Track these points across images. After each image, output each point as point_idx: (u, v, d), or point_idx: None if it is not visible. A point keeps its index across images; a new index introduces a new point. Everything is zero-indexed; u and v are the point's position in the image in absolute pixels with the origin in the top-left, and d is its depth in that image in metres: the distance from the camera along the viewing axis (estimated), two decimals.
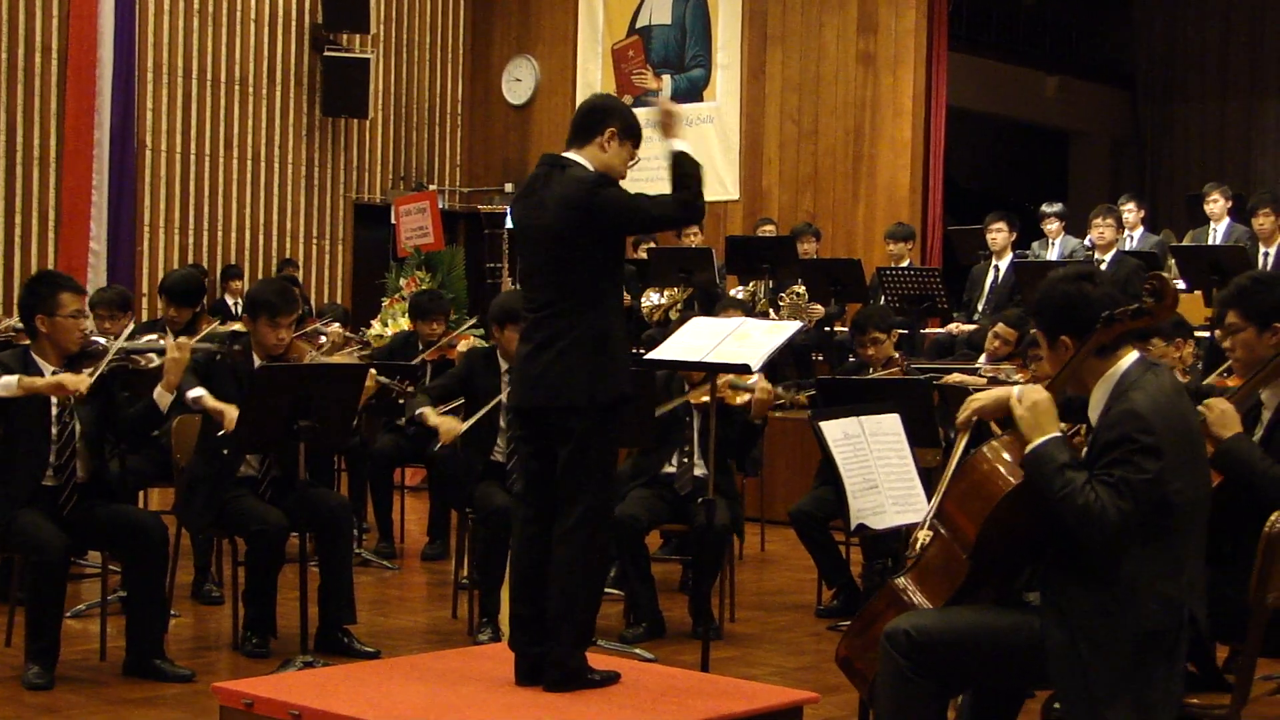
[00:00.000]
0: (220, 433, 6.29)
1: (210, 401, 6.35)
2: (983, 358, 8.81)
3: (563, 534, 5.02)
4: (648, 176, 16.40)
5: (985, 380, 7.98)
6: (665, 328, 8.53)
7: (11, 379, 5.83)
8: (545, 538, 5.09)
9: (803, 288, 11.56)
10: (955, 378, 7.90)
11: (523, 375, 5.15)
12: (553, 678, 4.99)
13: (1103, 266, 10.55)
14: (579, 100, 15.63)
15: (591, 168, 5.13)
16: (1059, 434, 3.93)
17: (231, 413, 6.27)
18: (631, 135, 5.24)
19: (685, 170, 5.21)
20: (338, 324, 10.12)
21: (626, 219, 5.11)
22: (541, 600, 5.06)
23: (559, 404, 5.03)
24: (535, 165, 5.33)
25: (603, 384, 5.02)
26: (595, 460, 5.04)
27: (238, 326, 7.21)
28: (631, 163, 5.28)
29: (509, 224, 14.59)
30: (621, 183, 5.20)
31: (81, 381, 5.85)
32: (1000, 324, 8.86)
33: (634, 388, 5.23)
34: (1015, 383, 7.87)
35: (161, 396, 6.10)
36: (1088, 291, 3.99)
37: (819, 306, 11.21)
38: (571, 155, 5.16)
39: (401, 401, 7.52)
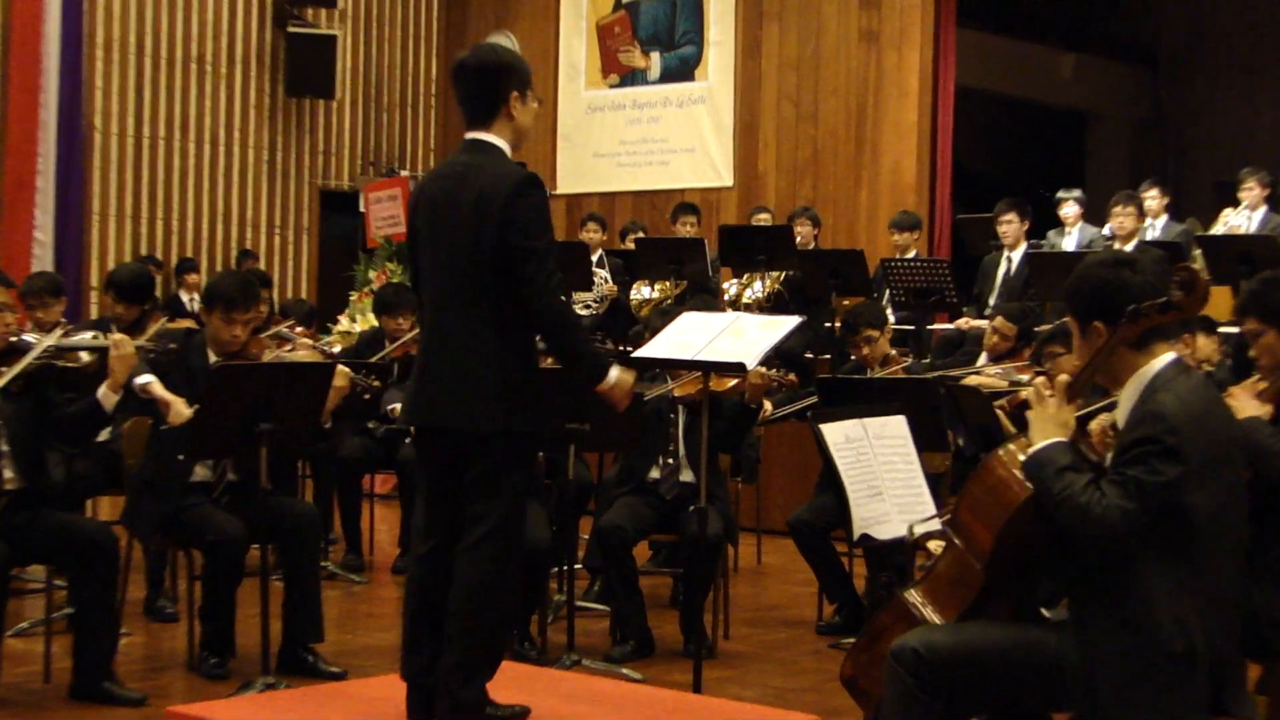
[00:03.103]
0: (164, 426, 6.27)
1: (158, 389, 6.34)
2: (983, 356, 8.80)
3: (465, 549, 4.94)
4: (636, 162, 16.32)
5: (995, 376, 8.00)
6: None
7: None
8: (448, 575, 5.00)
9: (778, 272, 11.54)
10: (989, 378, 7.91)
11: (426, 388, 5.07)
12: (442, 709, 4.89)
13: None
14: (562, 82, 15.66)
15: (507, 147, 5.06)
16: (1062, 439, 3.93)
17: (180, 406, 6.26)
18: (529, 84, 5.12)
19: (583, 360, 5.13)
20: (300, 326, 10.06)
21: (524, 240, 4.90)
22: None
23: (469, 429, 4.96)
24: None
25: (520, 413, 4.94)
26: (507, 483, 4.97)
27: (190, 324, 7.18)
28: (537, 103, 5.18)
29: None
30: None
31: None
32: (999, 318, 8.85)
33: (543, 425, 5.15)
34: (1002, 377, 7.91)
35: (106, 397, 6.03)
36: (1126, 279, 3.98)
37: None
38: (485, 137, 5.07)
39: (368, 397, 7.49)
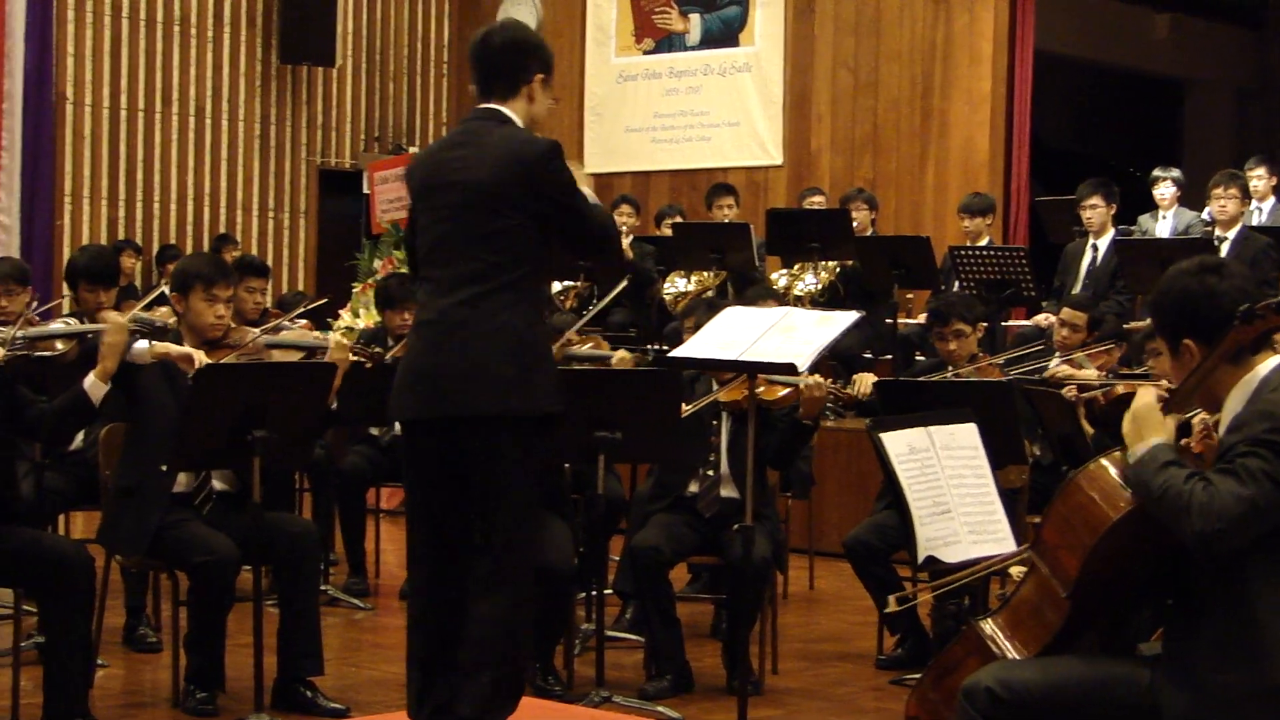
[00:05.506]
0: (191, 373, 6.28)
1: (165, 347, 6.33)
2: (1056, 359, 8.80)
3: (475, 578, 5.01)
4: (673, 137, 16.17)
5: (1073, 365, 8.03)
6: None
7: None
8: (453, 602, 5.08)
9: (833, 262, 11.52)
10: (1064, 369, 7.92)
11: (419, 374, 5.15)
12: None
13: (1224, 246, 10.53)
14: (590, 48, 15.67)
15: (522, 124, 5.22)
16: (1165, 439, 3.95)
17: (200, 355, 6.32)
18: (551, 72, 5.35)
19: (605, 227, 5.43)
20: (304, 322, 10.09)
21: (566, 205, 5.18)
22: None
23: (470, 414, 5.03)
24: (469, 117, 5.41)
25: (528, 392, 5.03)
26: (515, 487, 5.03)
27: (164, 313, 7.22)
28: (554, 103, 5.39)
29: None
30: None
31: None
32: (1065, 309, 8.87)
33: (565, 405, 5.25)
34: (1102, 374, 7.90)
35: (95, 387, 6.04)
36: (1213, 286, 3.99)
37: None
38: (499, 108, 5.23)
39: (369, 365, 7.52)
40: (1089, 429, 7.52)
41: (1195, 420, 4.34)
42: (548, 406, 5.10)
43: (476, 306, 5.05)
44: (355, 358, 7.10)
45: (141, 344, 6.36)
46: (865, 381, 7.43)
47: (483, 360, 5.02)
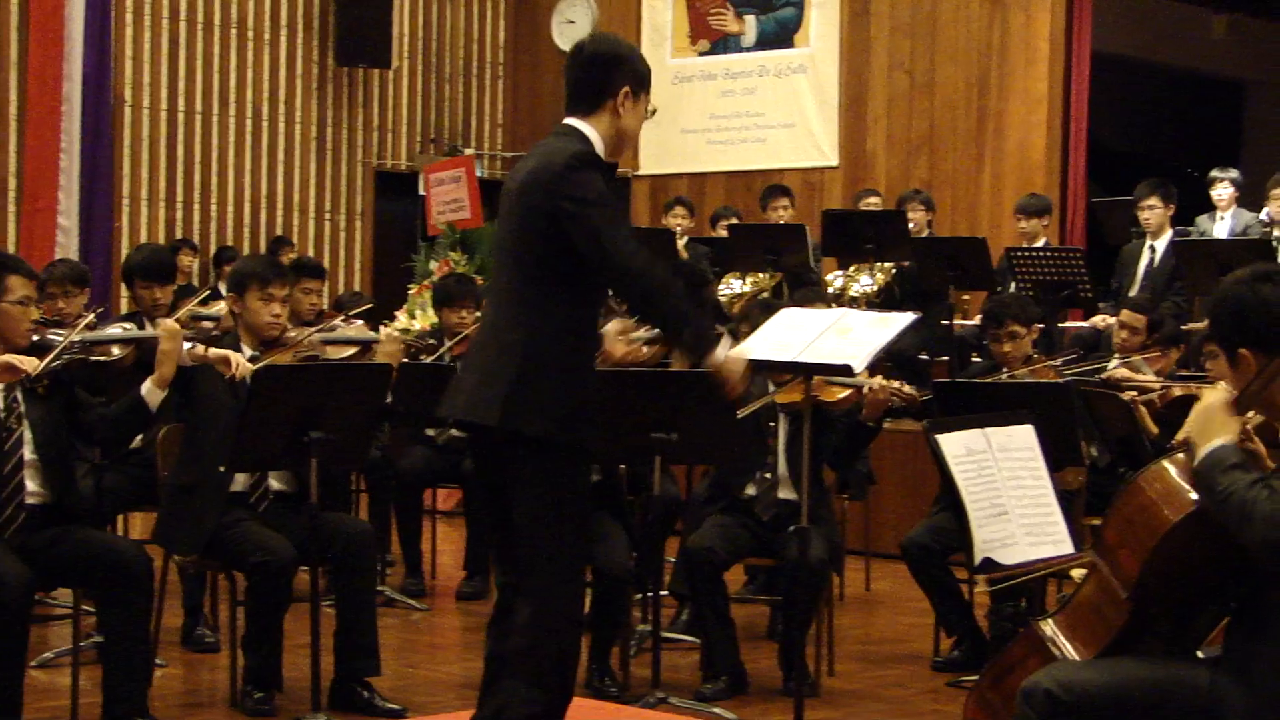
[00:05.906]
0: (229, 375, 6.31)
1: (212, 352, 6.36)
2: (1115, 360, 8.77)
3: (518, 589, 5.02)
4: (729, 139, 16.17)
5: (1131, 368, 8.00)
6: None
7: None
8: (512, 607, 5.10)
9: (889, 263, 11.46)
10: (1122, 371, 7.89)
11: (456, 375, 5.22)
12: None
13: None
14: (646, 50, 15.68)
15: (599, 142, 5.07)
16: (1230, 440, 3.93)
17: (240, 358, 6.37)
18: (645, 85, 5.16)
19: (686, 327, 5.09)
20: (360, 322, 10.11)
21: (572, 213, 4.91)
22: None
23: (467, 420, 5.03)
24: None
25: (524, 409, 4.90)
26: (527, 497, 4.95)
27: (221, 307, 7.24)
28: (650, 112, 5.22)
29: None
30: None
31: (30, 362, 5.82)
32: (1125, 311, 8.86)
33: (579, 436, 4.98)
34: (1159, 379, 7.86)
35: (152, 394, 6.07)
36: (1266, 295, 3.97)
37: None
38: (576, 124, 5.10)
39: (425, 358, 7.53)
40: (1154, 429, 7.49)
41: None
42: (543, 433, 4.91)
43: (505, 314, 5.02)
44: (405, 358, 7.13)
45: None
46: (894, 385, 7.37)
47: (492, 370, 4.97)
